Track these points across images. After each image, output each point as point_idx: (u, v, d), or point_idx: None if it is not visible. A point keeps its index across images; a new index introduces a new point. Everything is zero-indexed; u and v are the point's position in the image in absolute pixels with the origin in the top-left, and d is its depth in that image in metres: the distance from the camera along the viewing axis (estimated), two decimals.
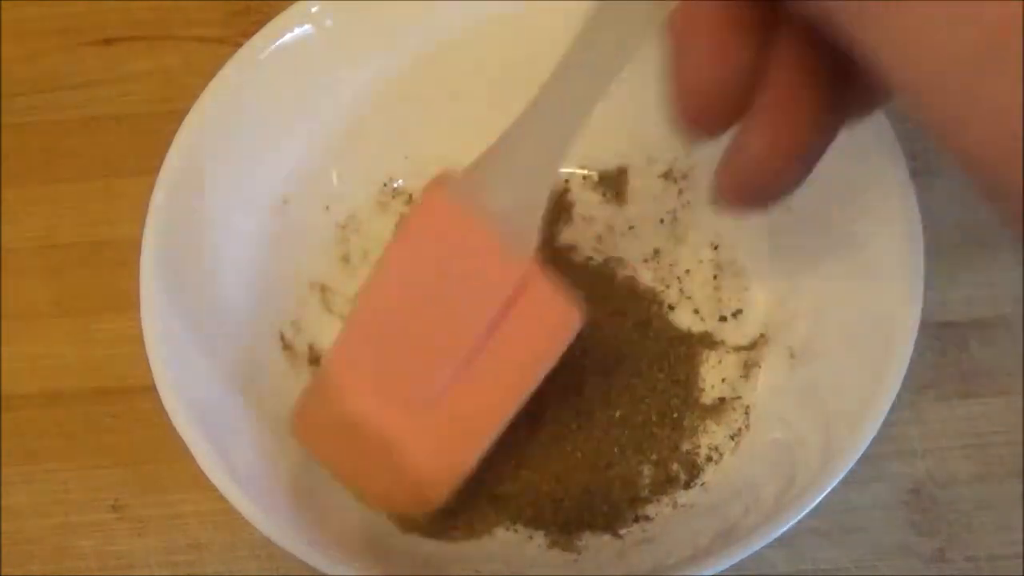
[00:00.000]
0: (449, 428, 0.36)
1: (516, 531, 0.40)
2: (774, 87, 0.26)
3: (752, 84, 0.26)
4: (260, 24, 0.41)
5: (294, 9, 0.41)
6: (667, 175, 0.45)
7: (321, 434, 0.38)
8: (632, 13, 0.29)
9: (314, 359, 0.42)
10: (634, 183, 0.45)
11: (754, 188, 0.27)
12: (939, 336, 0.43)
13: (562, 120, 0.32)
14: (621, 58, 0.30)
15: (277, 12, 0.41)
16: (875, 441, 0.35)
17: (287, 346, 0.42)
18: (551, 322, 0.35)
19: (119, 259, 0.37)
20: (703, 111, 0.27)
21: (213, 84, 0.40)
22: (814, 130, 0.27)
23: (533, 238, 0.34)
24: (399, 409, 0.35)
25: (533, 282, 0.34)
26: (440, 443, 0.36)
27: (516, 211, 0.33)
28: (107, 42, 0.51)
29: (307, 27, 0.41)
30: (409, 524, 0.39)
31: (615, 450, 0.41)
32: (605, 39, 0.30)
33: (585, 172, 0.45)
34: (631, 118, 0.41)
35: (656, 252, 0.44)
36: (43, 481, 0.42)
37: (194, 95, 0.40)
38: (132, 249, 0.38)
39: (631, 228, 0.45)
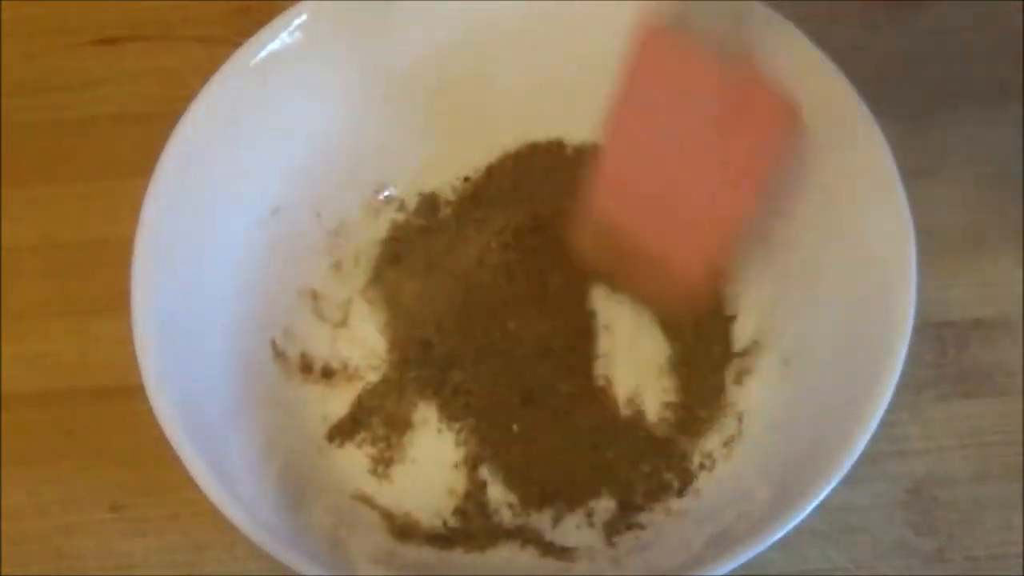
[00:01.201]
0: (701, 220, 0.38)
1: (507, 541, 0.39)
2: None
3: None
4: (260, 24, 0.41)
5: (284, 16, 0.41)
6: None
7: (600, 251, 0.41)
8: None
9: (306, 366, 0.42)
10: None
11: None
12: (939, 336, 0.43)
13: None
14: None
15: (277, 12, 0.41)
16: (875, 441, 0.35)
17: (279, 353, 0.42)
18: (769, 119, 0.37)
19: (119, 259, 0.37)
20: None
21: (204, 92, 0.40)
22: None
23: (742, 49, 0.36)
24: (661, 224, 0.39)
25: (750, 81, 0.37)
26: (696, 236, 0.39)
27: (722, 31, 0.36)
28: (107, 42, 0.51)
29: (297, 34, 0.41)
30: (405, 533, 0.39)
31: (608, 456, 0.41)
32: None
33: None
34: None
35: None
36: (43, 481, 0.42)
37: (194, 95, 0.40)
38: (132, 249, 0.38)
39: None
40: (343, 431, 0.42)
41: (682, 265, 0.39)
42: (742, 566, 0.33)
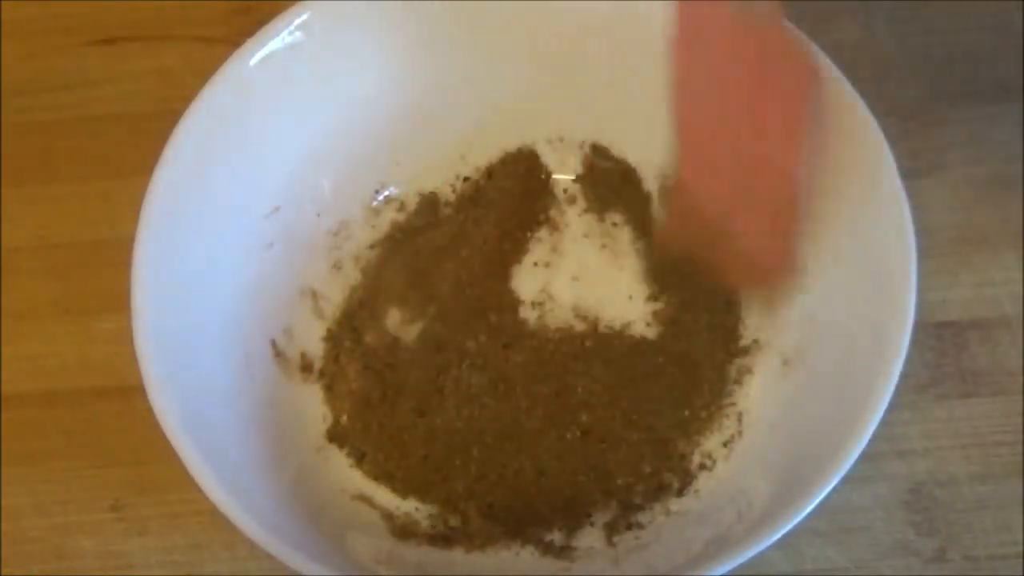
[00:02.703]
0: (767, 189, 0.38)
1: (509, 540, 0.39)
2: None
3: None
4: (260, 24, 0.41)
5: (284, 16, 0.41)
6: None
7: (686, 229, 0.41)
8: None
9: (306, 366, 0.42)
10: None
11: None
12: (939, 336, 0.43)
13: None
14: None
15: (277, 12, 0.41)
16: (875, 441, 0.35)
17: (279, 353, 0.42)
18: (803, 79, 0.37)
19: (119, 259, 0.37)
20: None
21: (204, 92, 0.40)
22: None
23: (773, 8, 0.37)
24: (739, 194, 0.38)
25: (781, 51, 0.37)
26: (768, 207, 0.38)
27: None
28: (107, 42, 0.51)
29: (297, 34, 0.41)
30: (405, 533, 0.39)
31: (609, 455, 0.41)
32: None
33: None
34: (644, 122, 0.41)
35: None
36: (43, 481, 0.42)
37: (194, 95, 0.40)
38: (132, 249, 0.38)
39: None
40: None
41: (763, 237, 0.39)
42: (742, 566, 0.33)
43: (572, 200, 0.45)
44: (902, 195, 0.37)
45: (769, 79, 0.37)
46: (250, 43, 0.41)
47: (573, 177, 0.46)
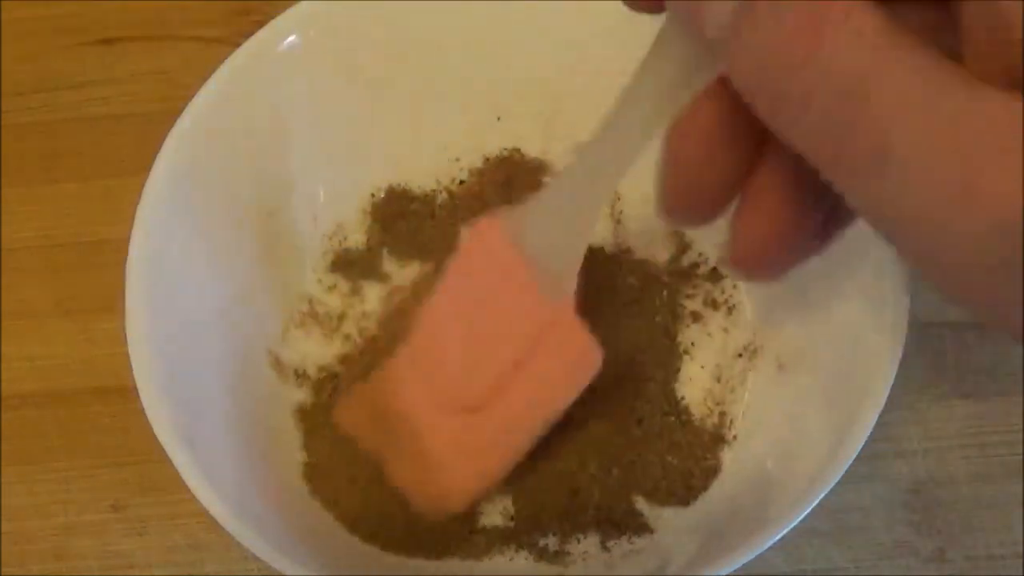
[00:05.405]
0: (481, 440, 0.38)
1: (503, 545, 0.39)
2: (760, 190, 0.28)
3: (736, 187, 0.28)
4: (260, 24, 0.41)
5: (284, 16, 0.41)
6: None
7: (364, 422, 0.40)
8: (672, 73, 0.29)
9: (301, 372, 0.42)
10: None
11: (755, 268, 0.29)
12: (939, 336, 0.43)
13: (598, 180, 0.34)
14: (657, 122, 0.30)
15: (277, 12, 0.41)
16: (875, 441, 0.35)
17: (274, 358, 0.42)
18: (575, 360, 0.37)
19: (119, 259, 0.37)
20: (686, 209, 0.29)
21: (201, 92, 0.40)
22: (798, 231, 0.28)
23: (569, 282, 0.36)
24: (442, 413, 0.38)
25: (564, 321, 0.36)
26: (471, 453, 0.38)
27: (555, 256, 0.36)
28: (107, 42, 0.51)
29: (296, 35, 0.41)
30: (393, 544, 0.39)
31: (605, 462, 0.41)
32: (647, 97, 0.30)
33: None
34: None
35: None
36: (43, 481, 0.42)
37: (194, 95, 0.40)
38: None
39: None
40: None
41: (452, 476, 0.38)
42: (742, 566, 0.33)
43: None
44: None
45: (544, 356, 0.37)
46: (250, 43, 0.41)
47: None
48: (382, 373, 0.39)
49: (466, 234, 0.37)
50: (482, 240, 0.37)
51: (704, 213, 0.29)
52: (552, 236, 0.35)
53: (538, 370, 0.37)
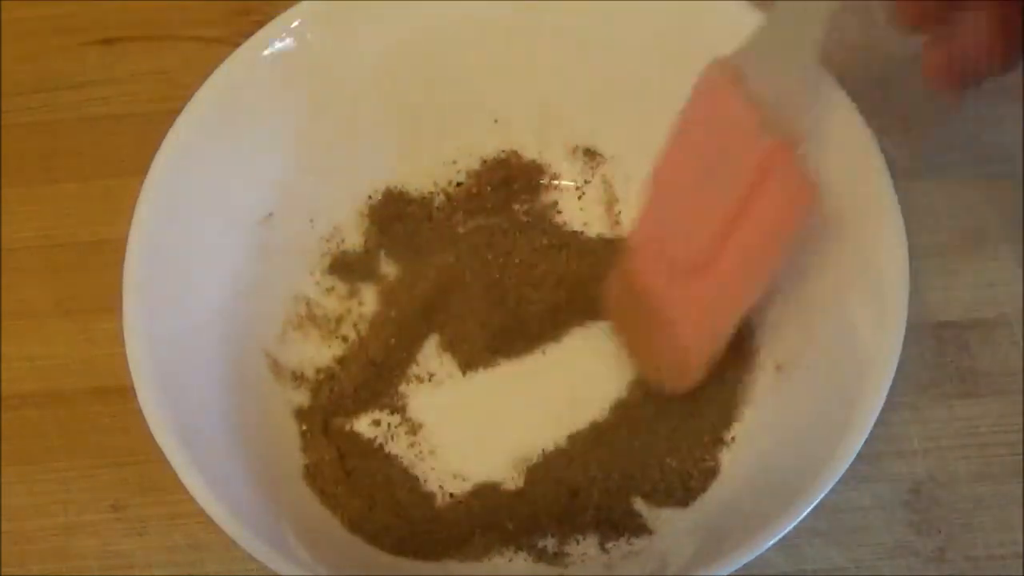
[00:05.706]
0: (710, 300, 0.39)
1: (502, 547, 0.39)
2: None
3: None
4: (260, 24, 0.41)
5: (283, 16, 0.41)
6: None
7: (619, 307, 0.42)
8: None
9: (299, 374, 0.42)
10: None
11: (962, 71, 0.32)
12: (939, 336, 0.43)
13: (808, 15, 0.35)
14: None
15: (277, 12, 0.41)
16: (875, 441, 0.35)
17: (272, 360, 0.42)
18: (793, 200, 0.37)
19: (119, 259, 0.37)
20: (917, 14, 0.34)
21: (200, 93, 0.40)
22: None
23: (795, 120, 0.36)
24: (674, 283, 0.39)
25: (785, 160, 0.36)
26: (702, 317, 0.39)
27: (782, 91, 0.36)
28: (107, 42, 0.51)
29: (295, 35, 0.41)
30: (397, 545, 0.39)
31: (605, 463, 0.41)
32: None
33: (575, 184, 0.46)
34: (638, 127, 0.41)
35: None
36: (43, 481, 0.42)
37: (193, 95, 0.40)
38: None
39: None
40: None
41: (687, 339, 0.39)
42: (742, 566, 0.33)
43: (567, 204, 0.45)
44: (894, 198, 0.37)
45: (763, 196, 0.36)
46: (249, 43, 0.41)
47: (568, 182, 0.46)
48: (625, 256, 0.41)
49: (695, 86, 0.37)
50: (710, 89, 0.37)
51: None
52: (776, 71, 0.36)
53: (759, 216, 0.37)
